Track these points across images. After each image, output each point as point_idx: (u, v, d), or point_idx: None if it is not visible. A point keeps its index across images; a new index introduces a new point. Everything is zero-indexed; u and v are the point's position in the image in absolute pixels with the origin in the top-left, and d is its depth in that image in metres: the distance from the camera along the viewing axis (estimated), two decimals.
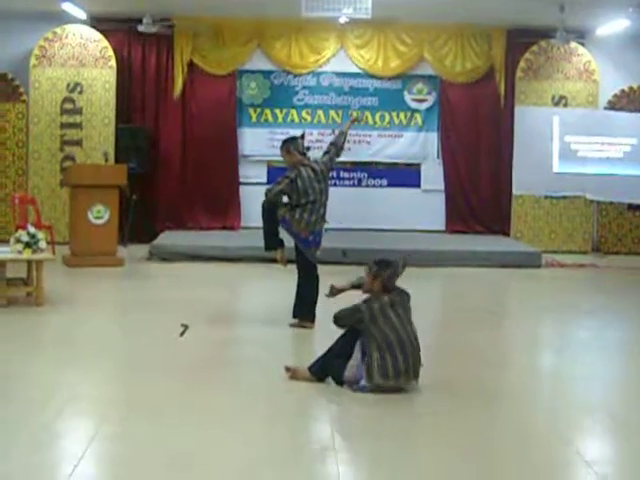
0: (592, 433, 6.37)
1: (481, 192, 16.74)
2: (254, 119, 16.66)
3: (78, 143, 15.61)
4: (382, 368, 6.71)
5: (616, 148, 15.56)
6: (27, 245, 9.91)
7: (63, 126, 15.60)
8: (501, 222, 16.58)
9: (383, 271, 6.99)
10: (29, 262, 10.28)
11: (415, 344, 6.88)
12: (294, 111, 16.65)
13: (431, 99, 16.80)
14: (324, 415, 6.41)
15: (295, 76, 16.60)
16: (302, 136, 9.78)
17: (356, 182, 16.81)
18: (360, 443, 5.90)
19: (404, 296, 7.05)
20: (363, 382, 6.76)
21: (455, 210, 16.81)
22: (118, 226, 13.46)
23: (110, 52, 15.62)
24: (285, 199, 9.31)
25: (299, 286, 9.34)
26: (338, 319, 7.12)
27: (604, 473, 5.39)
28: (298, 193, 9.10)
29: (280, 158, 16.45)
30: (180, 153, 16.36)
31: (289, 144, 9.41)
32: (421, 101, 16.80)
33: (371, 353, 6.76)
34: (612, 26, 14.85)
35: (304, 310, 9.21)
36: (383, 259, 7.13)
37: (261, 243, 13.08)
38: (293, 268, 9.42)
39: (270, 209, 9.23)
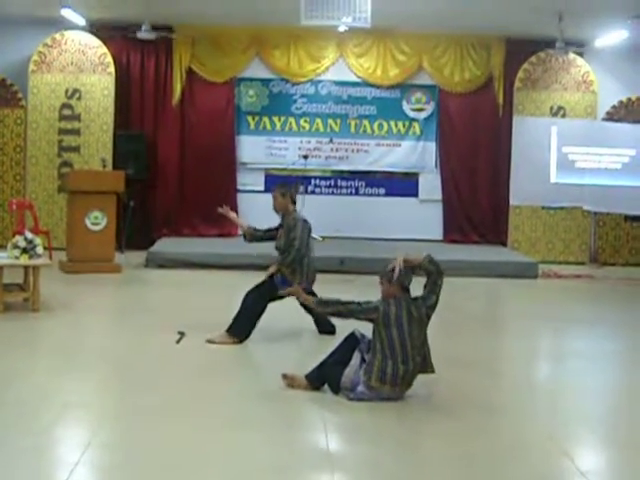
0: (587, 444, 6.37)
1: (479, 202, 16.76)
2: (252, 127, 16.66)
3: (76, 149, 15.61)
4: (381, 372, 6.72)
5: (614, 159, 15.58)
6: (24, 251, 9.91)
7: (61, 132, 15.60)
8: (498, 232, 16.59)
9: (392, 275, 6.93)
10: (26, 268, 10.27)
11: (417, 360, 6.85)
12: (292, 119, 16.66)
13: (429, 108, 16.81)
14: (320, 423, 6.40)
15: (294, 84, 16.62)
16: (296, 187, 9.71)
17: (354, 191, 16.81)
18: (356, 451, 5.89)
19: (422, 309, 6.98)
20: (360, 388, 6.76)
21: (453, 220, 16.82)
22: (115, 232, 13.45)
23: (109, 58, 15.63)
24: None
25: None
26: (351, 311, 6.97)
27: None
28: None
29: (278, 165, 16.70)
30: (178, 160, 16.36)
31: (292, 190, 9.27)
32: (419, 110, 16.81)
33: (375, 354, 6.76)
34: (611, 37, 14.87)
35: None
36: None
37: (258, 251, 13.08)
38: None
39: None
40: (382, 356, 6.75)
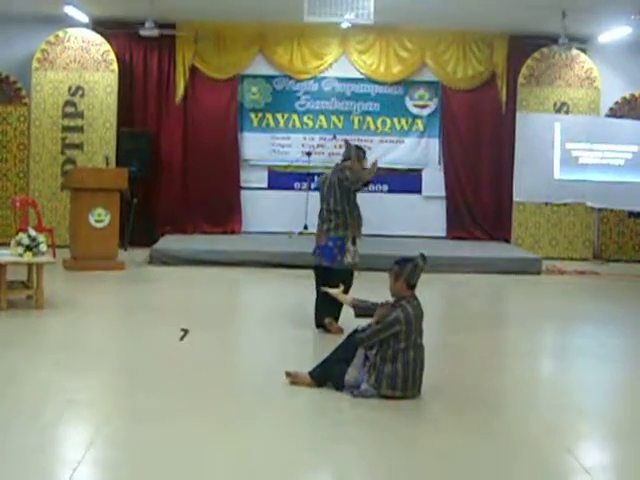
0: (591, 440, 6.37)
1: (482, 198, 16.73)
2: (255, 124, 16.65)
3: (79, 146, 15.61)
4: (392, 379, 6.70)
5: (617, 155, 15.55)
6: (28, 248, 9.91)
7: (64, 129, 15.60)
8: (502, 228, 16.57)
9: (403, 268, 6.93)
10: (30, 265, 10.29)
11: (421, 358, 6.87)
12: (296, 116, 16.65)
13: (432, 105, 16.79)
14: (324, 420, 6.40)
15: (297, 81, 16.60)
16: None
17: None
18: (359, 448, 5.89)
19: (422, 308, 7.03)
20: (364, 386, 6.76)
21: (456, 216, 16.79)
22: (119, 230, 13.45)
23: (112, 56, 15.63)
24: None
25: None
26: (371, 337, 6.86)
27: None
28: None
29: (281, 162, 16.69)
30: (181, 157, 16.34)
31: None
32: (422, 107, 16.79)
33: (385, 363, 6.74)
34: (614, 33, 14.85)
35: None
36: (402, 258, 7.06)
37: (262, 248, 13.08)
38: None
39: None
40: (393, 363, 6.73)
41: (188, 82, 16.25)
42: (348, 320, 8.05)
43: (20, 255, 9.93)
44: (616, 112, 16.32)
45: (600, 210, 16.03)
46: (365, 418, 6.47)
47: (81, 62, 15.58)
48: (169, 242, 14.80)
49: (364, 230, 9.70)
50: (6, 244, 11.27)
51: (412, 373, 6.76)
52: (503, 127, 16.38)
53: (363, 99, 16.72)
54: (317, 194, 9.87)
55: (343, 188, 9.23)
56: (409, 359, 6.74)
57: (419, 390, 6.87)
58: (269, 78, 16.62)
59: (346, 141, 10.31)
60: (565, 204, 15.95)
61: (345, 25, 14.83)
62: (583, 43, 16.00)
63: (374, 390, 6.75)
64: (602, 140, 15.49)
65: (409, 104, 16.77)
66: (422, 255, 7.00)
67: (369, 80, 16.64)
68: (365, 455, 5.75)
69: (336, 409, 6.60)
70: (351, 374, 6.85)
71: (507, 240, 16.37)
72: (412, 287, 6.94)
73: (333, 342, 7.30)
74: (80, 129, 15.64)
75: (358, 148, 9.73)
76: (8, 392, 6.80)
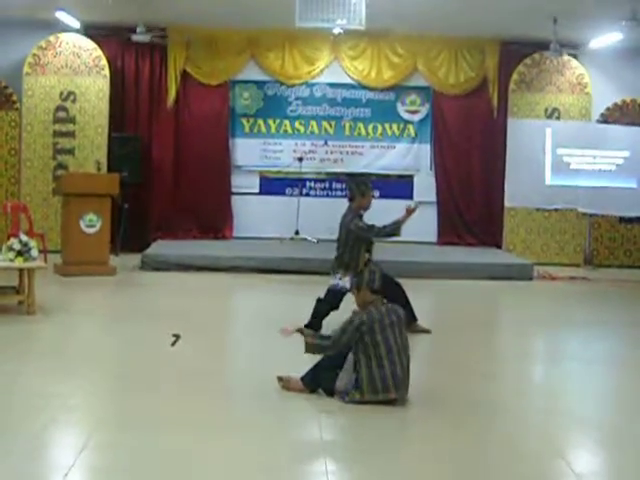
0: (582, 445, 6.36)
1: (473, 204, 16.74)
2: (247, 129, 16.65)
3: (71, 152, 15.59)
4: (370, 382, 6.69)
5: (608, 161, 15.58)
6: (19, 253, 9.89)
7: (56, 134, 15.58)
8: (493, 234, 16.57)
9: (361, 278, 7.03)
10: (21, 270, 10.25)
11: (405, 363, 6.84)
12: (287, 122, 16.65)
13: (424, 111, 16.80)
14: (315, 426, 6.39)
15: (288, 87, 16.61)
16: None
17: (348, 193, 16.76)
18: (350, 455, 5.88)
19: (399, 312, 7.01)
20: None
21: (447, 222, 16.80)
22: (110, 235, 13.43)
23: (103, 61, 15.62)
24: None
25: None
26: (336, 343, 6.88)
27: None
28: None
29: (273, 168, 16.66)
30: (173, 163, 16.33)
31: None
32: (414, 112, 16.80)
33: (360, 368, 6.73)
34: (605, 39, 14.87)
35: None
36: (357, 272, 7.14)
37: (253, 253, 13.09)
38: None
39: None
40: (367, 367, 6.71)
41: (180, 87, 16.26)
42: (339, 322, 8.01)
43: (11, 260, 9.91)
44: (607, 118, 16.35)
45: (591, 216, 16.06)
46: (355, 425, 6.46)
47: (73, 67, 15.56)
48: (160, 247, 14.77)
49: None
50: None
51: (391, 374, 6.72)
52: (494, 133, 16.40)
53: (354, 105, 16.73)
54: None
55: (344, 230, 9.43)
56: (383, 359, 6.71)
57: (406, 390, 6.85)
58: (260, 84, 16.63)
59: (346, 180, 10.31)
60: (556, 210, 15.98)
61: (337, 31, 14.81)
62: (574, 49, 16.03)
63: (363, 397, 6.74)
64: (593, 146, 15.54)
65: (400, 110, 16.79)
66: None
67: (360, 86, 16.66)
68: (357, 461, 5.74)
69: (326, 415, 6.58)
70: (341, 380, 6.84)
71: (498, 246, 16.38)
72: (376, 292, 6.97)
73: None
74: (72, 134, 15.62)
75: (359, 184, 9.71)
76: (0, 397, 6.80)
